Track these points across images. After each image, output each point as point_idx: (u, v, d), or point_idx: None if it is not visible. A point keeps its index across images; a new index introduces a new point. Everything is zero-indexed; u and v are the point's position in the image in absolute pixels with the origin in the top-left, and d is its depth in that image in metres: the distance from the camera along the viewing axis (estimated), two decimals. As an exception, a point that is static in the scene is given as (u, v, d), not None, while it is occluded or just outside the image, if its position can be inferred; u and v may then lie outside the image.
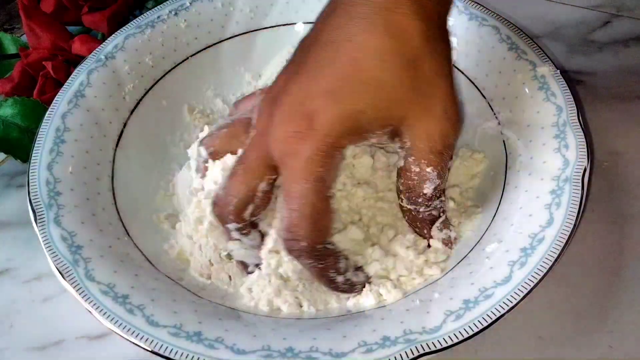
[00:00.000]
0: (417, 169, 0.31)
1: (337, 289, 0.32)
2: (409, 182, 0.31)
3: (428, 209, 0.32)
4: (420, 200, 0.32)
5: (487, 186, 0.38)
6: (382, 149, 0.36)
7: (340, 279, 0.31)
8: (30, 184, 0.33)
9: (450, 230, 0.34)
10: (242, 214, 0.32)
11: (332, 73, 0.28)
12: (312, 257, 0.30)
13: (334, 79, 0.28)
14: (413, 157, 0.31)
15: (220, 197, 0.32)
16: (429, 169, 0.31)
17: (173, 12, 0.44)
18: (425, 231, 0.34)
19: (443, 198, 0.33)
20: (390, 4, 0.28)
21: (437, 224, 0.33)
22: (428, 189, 0.31)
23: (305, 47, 0.31)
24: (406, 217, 0.34)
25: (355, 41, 0.28)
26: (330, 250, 0.31)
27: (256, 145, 0.31)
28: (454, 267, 0.33)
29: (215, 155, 0.34)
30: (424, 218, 0.33)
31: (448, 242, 0.34)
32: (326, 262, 0.30)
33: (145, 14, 0.44)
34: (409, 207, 0.33)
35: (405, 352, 0.26)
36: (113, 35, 0.42)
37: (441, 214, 0.33)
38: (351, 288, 0.32)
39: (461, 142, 0.40)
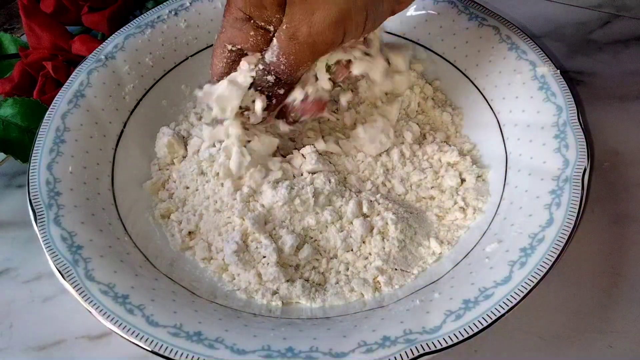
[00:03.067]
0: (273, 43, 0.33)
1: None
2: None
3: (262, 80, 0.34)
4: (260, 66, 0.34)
5: (486, 184, 0.38)
6: None
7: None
8: (30, 184, 0.33)
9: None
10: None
11: None
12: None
13: None
14: (278, 33, 0.32)
15: None
16: (276, 45, 0.32)
17: (173, 12, 0.44)
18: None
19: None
20: None
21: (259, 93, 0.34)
22: (268, 56, 0.33)
23: None
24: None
25: None
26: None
27: None
28: (454, 267, 0.33)
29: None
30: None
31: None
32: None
33: (145, 14, 0.44)
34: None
35: (405, 352, 0.26)
36: (113, 35, 0.42)
37: (268, 96, 0.34)
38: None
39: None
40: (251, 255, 0.34)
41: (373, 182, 0.38)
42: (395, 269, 0.34)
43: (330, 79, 0.36)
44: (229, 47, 0.34)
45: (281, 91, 0.34)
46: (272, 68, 0.33)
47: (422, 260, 0.35)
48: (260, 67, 0.33)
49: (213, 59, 0.36)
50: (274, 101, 0.34)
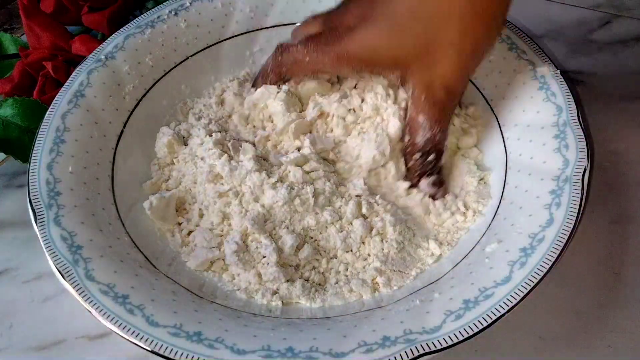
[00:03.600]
0: (413, 116, 0.35)
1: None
2: (407, 129, 0.35)
3: (419, 160, 0.36)
4: (412, 148, 0.36)
5: (487, 184, 0.38)
6: None
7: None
8: (30, 184, 0.33)
9: (439, 189, 0.37)
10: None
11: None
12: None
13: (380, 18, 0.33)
14: (411, 103, 0.35)
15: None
16: (421, 118, 0.34)
17: (173, 12, 0.44)
18: (414, 181, 0.37)
19: (435, 156, 0.36)
20: None
21: (428, 179, 0.36)
22: (420, 137, 0.35)
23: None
24: (407, 166, 0.37)
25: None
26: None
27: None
28: (454, 267, 0.33)
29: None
30: (414, 168, 0.36)
31: (434, 195, 0.37)
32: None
33: (145, 14, 0.44)
34: (405, 154, 0.37)
35: (405, 352, 0.26)
36: (113, 35, 0.42)
37: (434, 173, 0.36)
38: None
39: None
40: (251, 255, 0.34)
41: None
42: (394, 270, 0.34)
43: None
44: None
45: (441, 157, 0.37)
46: (431, 146, 0.35)
47: (420, 262, 0.35)
48: (417, 157, 0.36)
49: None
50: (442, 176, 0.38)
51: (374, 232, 0.35)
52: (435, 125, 0.35)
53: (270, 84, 0.40)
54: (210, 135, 0.38)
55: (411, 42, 0.33)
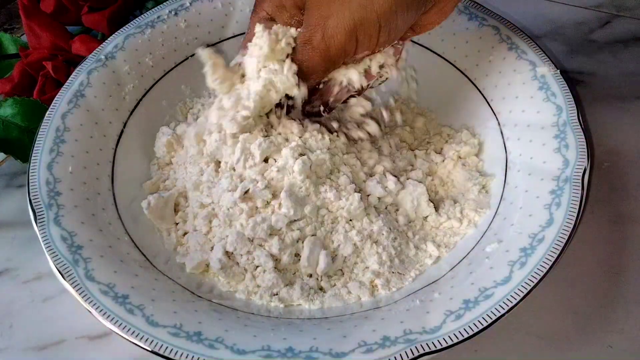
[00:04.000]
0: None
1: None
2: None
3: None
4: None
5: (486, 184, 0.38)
6: None
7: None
8: (30, 184, 0.33)
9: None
10: None
11: None
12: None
13: None
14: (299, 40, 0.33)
15: None
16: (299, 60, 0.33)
17: (173, 12, 0.44)
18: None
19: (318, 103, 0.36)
20: None
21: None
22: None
23: None
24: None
25: None
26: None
27: None
28: (454, 267, 0.33)
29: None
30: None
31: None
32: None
33: (145, 14, 0.44)
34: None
35: (405, 352, 0.26)
36: (113, 35, 0.42)
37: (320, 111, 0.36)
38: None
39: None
40: (241, 268, 0.34)
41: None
42: (393, 272, 0.34)
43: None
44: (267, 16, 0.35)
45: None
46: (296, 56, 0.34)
47: (419, 264, 0.35)
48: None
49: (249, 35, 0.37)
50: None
51: (372, 236, 0.35)
52: (303, 67, 0.33)
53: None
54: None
55: None
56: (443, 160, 0.40)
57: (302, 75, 0.33)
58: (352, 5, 0.30)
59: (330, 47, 0.31)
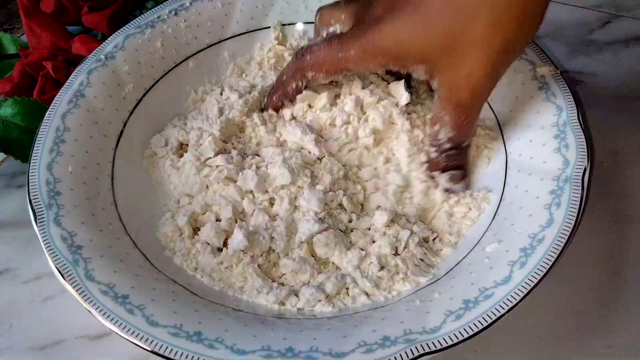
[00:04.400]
0: (437, 114, 0.34)
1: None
2: (432, 124, 0.35)
3: (441, 155, 0.35)
4: (434, 143, 0.35)
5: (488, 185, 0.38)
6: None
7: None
8: (30, 184, 0.33)
9: (456, 185, 0.36)
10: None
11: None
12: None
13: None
14: (436, 100, 0.34)
15: None
16: (445, 117, 0.34)
17: (173, 12, 0.44)
18: (434, 174, 0.36)
19: (458, 151, 0.36)
20: None
21: (448, 173, 0.36)
22: (442, 134, 0.34)
23: None
24: (428, 162, 0.37)
25: None
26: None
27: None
28: (454, 266, 0.33)
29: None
30: (436, 162, 0.36)
31: (451, 189, 0.36)
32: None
33: (145, 14, 0.44)
34: (428, 148, 0.36)
35: (405, 352, 0.26)
36: (113, 35, 0.42)
37: (456, 168, 0.36)
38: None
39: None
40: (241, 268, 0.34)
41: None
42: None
43: None
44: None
45: (465, 156, 0.37)
46: (453, 142, 0.35)
47: (433, 268, 0.34)
48: (432, 148, 0.36)
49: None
50: (465, 171, 0.37)
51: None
52: (457, 127, 0.34)
53: (289, 94, 0.39)
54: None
55: (438, 35, 0.30)
56: None
57: (465, 138, 0.35)
58: (476, 35, 0.30)
59: (482, 96, 0.33)
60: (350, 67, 0.35)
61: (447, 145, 0.35)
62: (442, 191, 0.36)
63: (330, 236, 0.34)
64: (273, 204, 0.36)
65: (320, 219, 0.35)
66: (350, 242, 0.35)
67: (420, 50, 0.31)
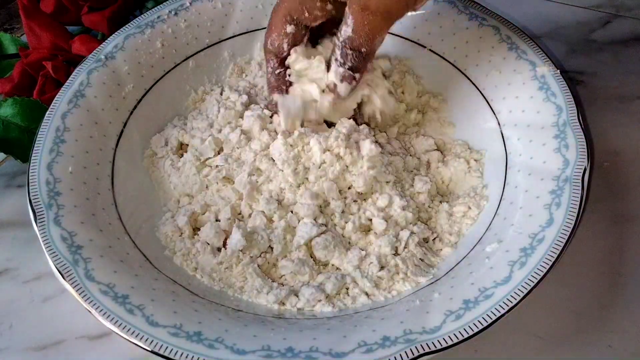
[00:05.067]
0: (345, 16, 0.33)
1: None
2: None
3: (340, 51, 0.35)
4: (337, 43, 0.34)
5: (487, 185, 0.38)
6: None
7: None
8: (30, 184, 0.33)
9: (342, 84, 0.36)
10: None
11: None
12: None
13: None
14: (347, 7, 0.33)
15: None
16: (349, 17, 0.33)
17: (173, 12, 0.44)
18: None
19: (356, 54, 0.34)
20: None
21: (341, 68, 0.35)
22: (343, 32, 0.34)
23: None
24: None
25: None
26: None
27: None
28: (454, 266, 0.33)
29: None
30: (337, 58, 0.35)
31: (333, 89, 0.36)
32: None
33: (145, 14, 0.44)
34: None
35: (405, 352, 0.26)
36: (113, 35, 0.42)
37: (350, 69, 0.35)
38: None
39: (462, 139, 0.41)
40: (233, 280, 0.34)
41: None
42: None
43: None
44: (289, 18, 0.35)
45: (362, 64, 0.35)
46: (351, 43, 0.34)
47: (434, 268, 0.34)
48: (338, 43, 0.34)
49: (271, 34, 0.36)
50: (357, 76, 0.35)
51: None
52: (358, 29, 0.33)
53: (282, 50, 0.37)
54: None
55: None
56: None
57: (367, 39, 0.33)
58: None
59: (390, 7, 0.32)
60: None
61: (348, 45, 0.34)
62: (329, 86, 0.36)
63: (329, 239, 0.34)
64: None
65: (321, 224, 0.35)
66: (350, 242, 0.35)
67: None
